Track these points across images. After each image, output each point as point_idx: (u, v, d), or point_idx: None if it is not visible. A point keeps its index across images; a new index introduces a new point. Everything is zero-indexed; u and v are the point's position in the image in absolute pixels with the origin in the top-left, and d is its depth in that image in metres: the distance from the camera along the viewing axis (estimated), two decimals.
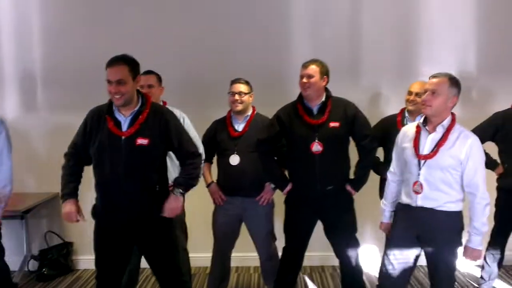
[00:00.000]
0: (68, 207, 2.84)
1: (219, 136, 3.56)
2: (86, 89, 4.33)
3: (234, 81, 3.54)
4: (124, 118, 2.80)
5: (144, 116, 2.81)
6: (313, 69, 3.26)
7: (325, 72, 3.30)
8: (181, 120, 3.38)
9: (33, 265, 4.53)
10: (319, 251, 4.09)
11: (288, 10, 4.44)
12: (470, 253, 2.77)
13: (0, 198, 3.17)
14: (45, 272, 4.42)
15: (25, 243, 4.46)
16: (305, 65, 3.29)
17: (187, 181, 2.91)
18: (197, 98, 4.35)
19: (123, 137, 2.77)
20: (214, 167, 3.64)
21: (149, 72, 3.44)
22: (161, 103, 3.41)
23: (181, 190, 2.87)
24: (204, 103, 4.30)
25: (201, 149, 3.25)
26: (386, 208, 3.03)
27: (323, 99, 3.31)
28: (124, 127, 2.79)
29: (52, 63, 4.53)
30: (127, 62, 2.75)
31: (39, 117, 4.56)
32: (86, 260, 4.52)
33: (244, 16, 4.42)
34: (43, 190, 4.47)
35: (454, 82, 2.73)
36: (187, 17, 4.43)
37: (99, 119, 2.84)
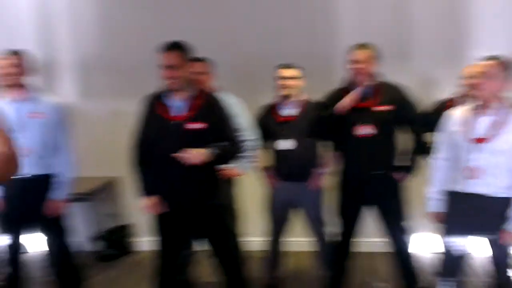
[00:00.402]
0: (149, 201, 2.98)
1: (267, 121, 3.60)
2: (141, 75, 4.48)
3: (282, 66, 3.55)
4: (177, 103, 2.88)
5: (196, 102, 2.88)
6: (363, 53, 3.25)
7: (375, 57, 3.28)
8: (235, 106, 3.45)
9: (95, 245, 4.76)
10: (370, 236, 4.10)
11: None
12: (509, 237, 2.69)
13: (64, 182, 3.37)
14: (106, 253, 4.64)
15: (87, 225, 4.70)
16: (354, 50, 3.29)
17: (225, 150, 2.91)
18: (248, 83, 4.39)
19: (175, 121, 2.85)
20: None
21: (199, 59, 3.50)
22: (213, 89, 3.49)
23: (215, 150, 2.85)
24: (255, 88, 4.34)
25: (253, 136, 3.32)
26: (434, 196, 2.95)
27: (372, 83, 3.31)
28: (176, 112, 2.87)
29: (106, 50, 4.69)
30: (180, 49, 2.84)
31: (96, 102, 4.77)
32: (144, 241, 4.72)
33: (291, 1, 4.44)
34: (104, 173, 4.68)
35: (507, 65, 2.66)
36: (236, 2, 4.50)
37: (152, 105, 2.94)
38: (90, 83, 4.78)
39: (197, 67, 3.41)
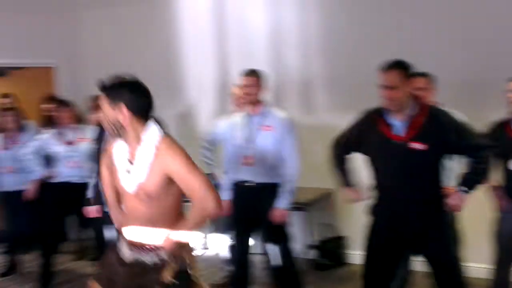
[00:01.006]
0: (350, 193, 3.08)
1: (499, 138, 3.31)
2: (362, 93, 4.53)
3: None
4: (397, 123, 2.80)
5: (417, 121, 2.76)
6: None
7: None
8: None
9: (310, 254, 4.93)
10: None
11: None
12: None
13: (288, 192, 3.52)
14: (320, 262, 4.75)
15: (304, 233, 4.87)
16: None
17: (471, 178, 2.77)
18: (474, 98, 4.12)
19: (396, 141, 2.77)
20: None
21: (421, 74, 3.37)
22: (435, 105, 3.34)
23: (465, 188, 2.75)
24: (481, 103, 4.06)
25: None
26: None
27: None
28: (398, 131, 2.79)
29: (328, 68, 4.85)
30: (400, 68, 2.76)
31: (317, 118, 4.94)
32: (357, 255, 4.70)
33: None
34: (320, 185, 4.81)
35: None
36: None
37: (372, 120, 2.91)
38: (313, 99, 4.98)
39: (419, 82, 3.28)
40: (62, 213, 4.58)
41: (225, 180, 3.73)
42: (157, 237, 2.28)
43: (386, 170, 2.82)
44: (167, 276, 2.24)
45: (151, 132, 2.22)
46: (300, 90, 5.04)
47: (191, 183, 2.14)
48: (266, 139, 3.52)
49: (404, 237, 2.86)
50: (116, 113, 2.18)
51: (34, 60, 5.96)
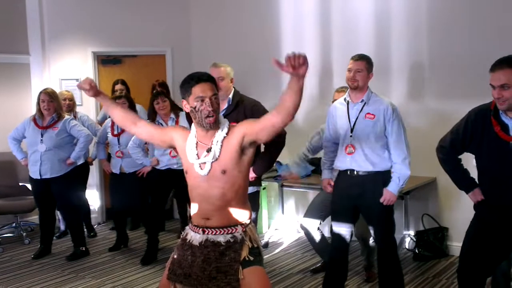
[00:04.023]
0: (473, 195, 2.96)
1: None
2: (471, 78, 4.39)
3: None
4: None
5: None
6: None
7: None
8: None
9: (410, 244, 4.87)
10: None
11: None
12: None
13: (398, 178, 3.44)
14: (420, 252, 4.67)
15: (404, 223, 4.82)
16: None
17: None
18: None
19: (511, 142, 2.66)
20: None
21: None
22: None
23: None
24: None
25: None
26: None
27: None
28: None
29: (438, 53, 4.73)
30: (511, 65, 2.59)
31: (423, 104, 4.85)
32: (459, 247, 4.56)
33: None
34: (424, 174, 4.72)
35: None
36: None
37: (483, 120, 2.77)
38: (419, 85, 4.90)
39: None
40: (166, 194, 4.98)
41: (325, 160, 3.78)
42: (231, 217, 2.42)
43: (498, 172, 2.73)
44: (244, 253, 2.36)
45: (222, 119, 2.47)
46: (407, 76, 4.95)
47: (262, 119, 2.35)
48: (369, 127, 3.45)
49: (508, 236, 2.76)
50: (217, 100, 2.39)
51: (147, 48, 6.33)
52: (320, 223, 4.24)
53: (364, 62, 3.46)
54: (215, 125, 2.40)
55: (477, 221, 2.89)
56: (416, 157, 4.61)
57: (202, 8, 6.33)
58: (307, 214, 4.29)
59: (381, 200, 3.42)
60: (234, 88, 3.66)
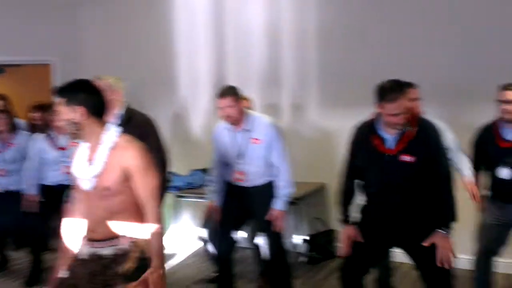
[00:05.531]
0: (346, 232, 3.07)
1: (487, 144, 3.40)
2: (355, 88, 4.69)
3: (505, 88, 3.28)
4: (389, 136, 2.88)
5: (410, 134, 2.84)
6: None
7: None
8: (445, 134, 3.34)
9: (302, 247, 5.03)
10: None
11: None
12: None
13: (286, 193, 3.59)
14: (313, 256, 4.87)
15: (296, 227, 4.97)
16: None
17: (445, 215, 2.84)
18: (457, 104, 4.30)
19: (388, 154, 2.86)
20: None
21: (412, 85, 3.44)
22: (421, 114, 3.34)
23: (444, 229, 2.80)
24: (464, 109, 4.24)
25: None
26: None
27: None
28: (390, 145, 2.87)
29: (324, 64, 4.99)
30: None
31: (312, 112, 5.06)
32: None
33: None
34: (312, 180, 4.93)
35: None
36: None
37: (364, 135, 2.98)
38: (306, 95, 5.10)
39: (411, 93, 3.32)
40: (51, 212, 4.61)
41: (216, 184, 3.78)
42: (117, 229, 2.37)
43: (378, 180, 2.94)
44: (129, 266, 2.32)
45: (110, 132, 2.34)
46: (294, 88, 5.16)
47: (144, 185, 2.30)
48: (256, 152, 3.55)
49: (388, 235, 2.98)
50: (75, 115, 2.27)
51: (32, 57, 6.02)
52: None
53: (230, 97, 3.44)
54: (87, 140, 2.35)
55: (362, 222, 3.09)
56: (305, 164, 4.86)
57: (91, 17, 6.15)
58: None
59: (270, 219, 3.55)
60: (126, 101, 3.51)
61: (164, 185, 3.53)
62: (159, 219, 2.35)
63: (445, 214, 2.83)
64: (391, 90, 2.76)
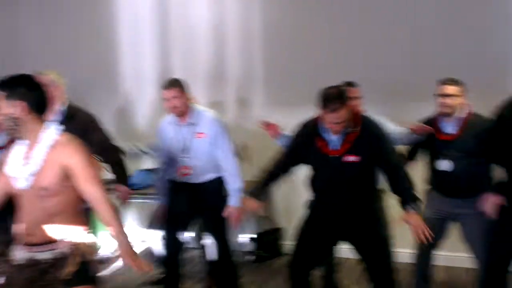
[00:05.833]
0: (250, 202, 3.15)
1: (426, 139, 3.50)
2: (300, 88, 4.75)
3: (443, 82, 3.38)
4: (334, 138, 2.94)
5: (352, 135, 2.91)
6: None
7: None
8: (387, 124, 3.42)
9: (248, 246, 5.04)
10: None
11: None
12: None
13: (236, 191, 3.58)
14: (260, 254, 4.89)
15: (242, 226, 4.95)
16: None
17: (409, 196, 2.93)
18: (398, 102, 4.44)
19: (332, 156, 2.93)
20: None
21: (353, 84, 3.53)
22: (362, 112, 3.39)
23: (412, 205, 2.91)
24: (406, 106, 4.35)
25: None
26: None
27: None
28: (334, 146, 2.93)
29: (268, 64, 5.03)
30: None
31: (253, 112, 5.07)
32: (291, 245, 4.86)
33: None
34: (255, 177, 4.93)
35: None
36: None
37: (309, 135, 3.03)
38: (251, 95, 5.13)
39: (353, 92, 3.40)
40: None
41: (161, 184, 3.74)
42: (56, 233, 2.29)
43: (324, 179, 3.03)
44: (69, 271, 2.26)
45: (50, 129, 2.27)
46: (240, 85, 5.16)
47: (87, 177, 2.24)
48: (201, 147, 3.53)
49: (335, 230, 3.06)
50: (15, 110, 2.20)
51: None
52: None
53: (176, 88, 3.44)
54: (26, 137, 2.26)
55: (309, 219, 3.15)
56: (249, 162, 4.86)
57: (32, 11, 5.87)
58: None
59: (228, 216, 3.55)
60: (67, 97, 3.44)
61: (126, 177, 3.55)
62: (109, 201, 2.28)
63: (409, 195, 2.91)
64: (333, 100, 2.79)
